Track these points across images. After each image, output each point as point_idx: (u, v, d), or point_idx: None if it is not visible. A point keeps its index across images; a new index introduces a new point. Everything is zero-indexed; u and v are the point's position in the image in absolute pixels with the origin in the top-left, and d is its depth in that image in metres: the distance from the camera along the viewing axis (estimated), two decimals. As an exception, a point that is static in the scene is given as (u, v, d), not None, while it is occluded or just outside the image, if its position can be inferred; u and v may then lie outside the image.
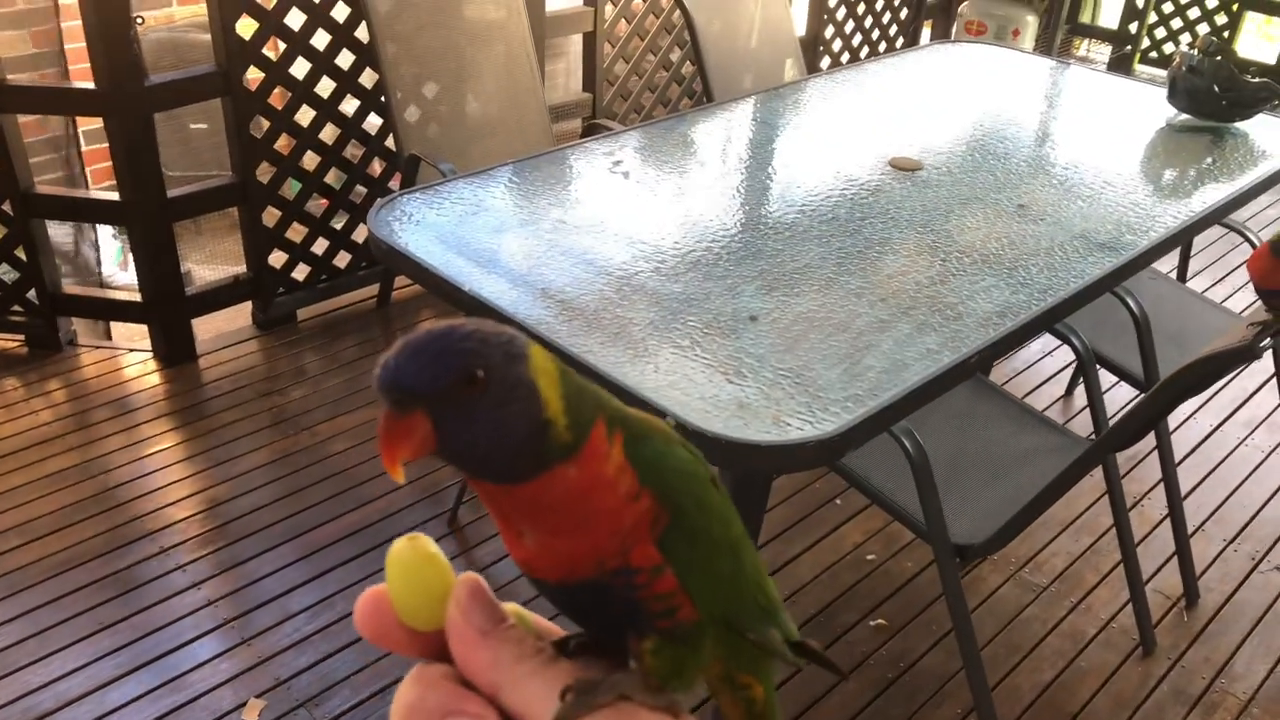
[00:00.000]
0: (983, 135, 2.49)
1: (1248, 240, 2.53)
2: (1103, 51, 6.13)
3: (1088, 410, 2.33)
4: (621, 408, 0.37)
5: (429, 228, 1.86)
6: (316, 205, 3.18)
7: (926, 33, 5.20)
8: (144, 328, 3.04)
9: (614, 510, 0.35)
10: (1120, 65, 5.76)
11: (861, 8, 4.65)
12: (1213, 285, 3.70)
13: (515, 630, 0.36)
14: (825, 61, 4.59)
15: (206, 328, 3.11)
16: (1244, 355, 1.41)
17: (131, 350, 3.05)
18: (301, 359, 3.07)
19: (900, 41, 4.91)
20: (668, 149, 2.31)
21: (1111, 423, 1.83)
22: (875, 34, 4.76)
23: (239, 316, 3.17)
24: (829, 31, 4.56)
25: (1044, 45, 5.48)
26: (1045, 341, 3.21)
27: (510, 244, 1.83)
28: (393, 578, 0.36)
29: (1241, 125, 2.56)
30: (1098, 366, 2.16)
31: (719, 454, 1.39)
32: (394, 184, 3.22)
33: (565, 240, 1.84)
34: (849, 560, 2.43)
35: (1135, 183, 2.24)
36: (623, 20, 3.86)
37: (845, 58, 4.66)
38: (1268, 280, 1.67)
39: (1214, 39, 2.62)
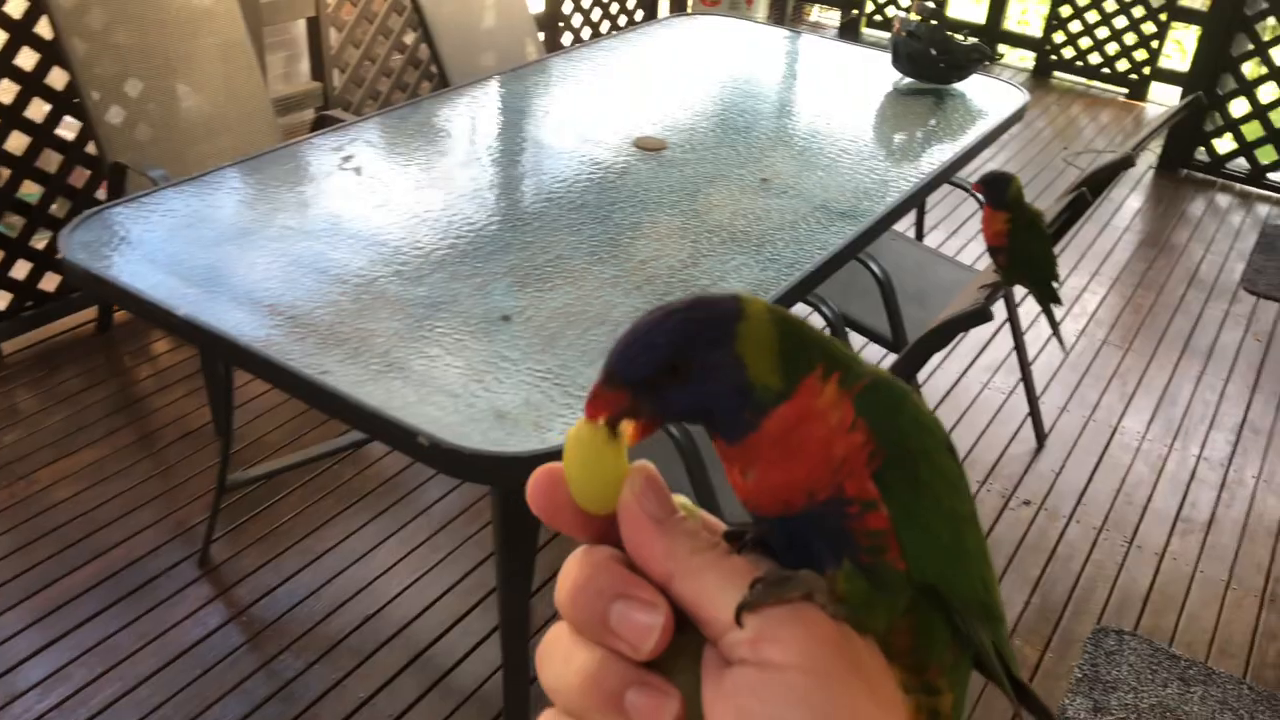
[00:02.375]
0: (723, 109, 2.50)
1: (974, 197, 2.67)
2: (833, 17, 6.40)
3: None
4: (854, 360, 0.38)
5: (135, 246, 1.66)
6: (12, 224, 2.82)
7: (665, 6, 5.24)
8: None
9: (824, 439, 0.36)
10: (848, 30, 6.03)
11: (598, -18, 4.62)
12: (947, 239, 3.93)
13: (689, 522, 0.37)
14: (567, 38, 4.53)
15: (-110, 372, 2.71)
16: (978, 317, 1.46)
17: None
18: (12, 397, 2.72)
19: (640, 15, 4.93)
20: (404, 139, 2.18)
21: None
22: (614, 8, 4.74)
23: (-69, 356, 2.79)
24: (568, 7, 4.50)
25: (776, 13, 5.65)
26: (796, 310, 3.30)
27: (231, 257, 1.66)
28: (569, 457, 0.36)
29: (959, 86, 2.69)
30: (847, 330, 2.22)
31: (479, 471, 1.31)
32: (102, 193, 2.91)
33: (294, 248, 1.69)
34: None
35: (869, 149, 2.31)
36: (348, 3, 3.65)
37: (586, 33, 4.63)
38: (989, 235, 1.75)
39: (927, 4, 2.73)
